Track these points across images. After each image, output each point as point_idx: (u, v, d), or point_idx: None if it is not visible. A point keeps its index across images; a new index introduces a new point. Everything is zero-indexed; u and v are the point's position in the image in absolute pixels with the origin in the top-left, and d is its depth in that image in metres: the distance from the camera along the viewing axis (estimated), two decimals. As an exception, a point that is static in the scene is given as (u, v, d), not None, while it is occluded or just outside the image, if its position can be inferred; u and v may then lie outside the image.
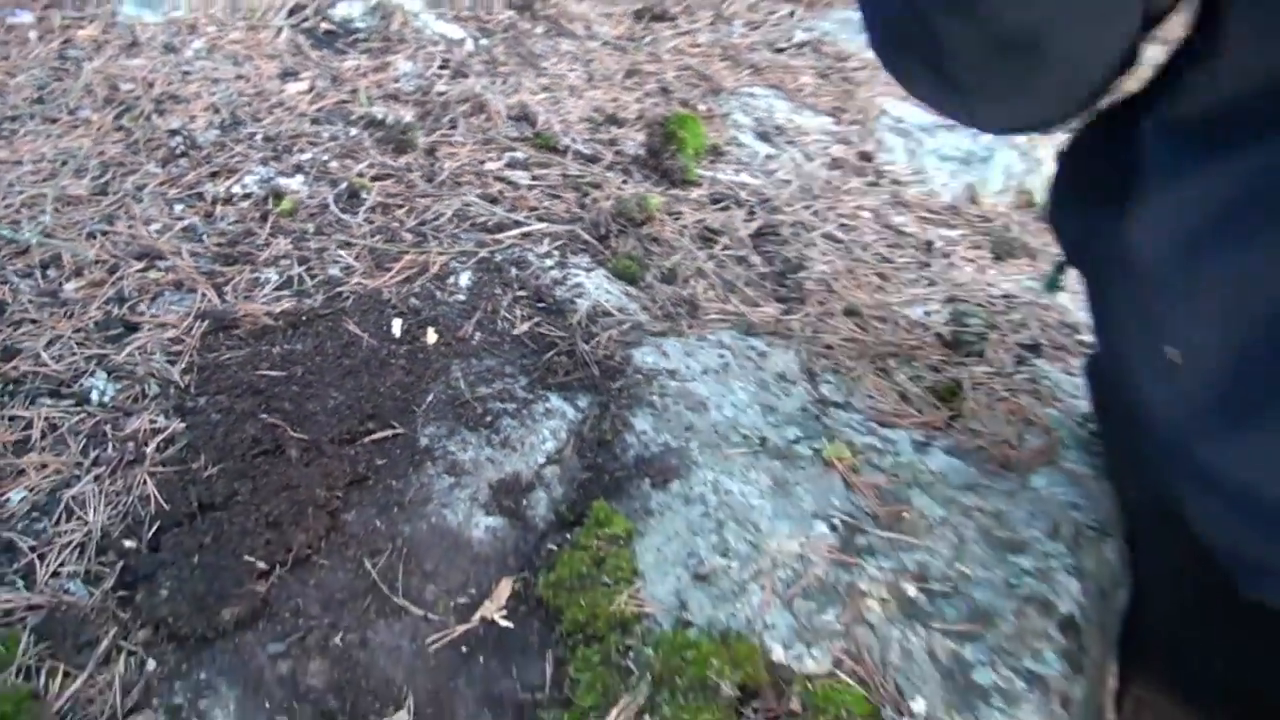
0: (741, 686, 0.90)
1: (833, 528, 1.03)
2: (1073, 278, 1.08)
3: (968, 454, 1.18)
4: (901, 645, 0.94)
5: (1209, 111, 0.75)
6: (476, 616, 0.97)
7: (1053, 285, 1.03)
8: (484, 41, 1.88)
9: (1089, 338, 1.29)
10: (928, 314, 1.38)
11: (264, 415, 1.08)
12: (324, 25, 1.84)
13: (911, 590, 0.99)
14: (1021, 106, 0.85)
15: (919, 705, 0.90)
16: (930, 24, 0.79)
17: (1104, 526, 1.12)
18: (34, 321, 1.18)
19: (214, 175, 1.44)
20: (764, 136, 1.72)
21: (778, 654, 0.92)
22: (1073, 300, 1.48)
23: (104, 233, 1.31)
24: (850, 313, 1.35)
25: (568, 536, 1.02)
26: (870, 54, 1.98)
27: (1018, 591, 1.01)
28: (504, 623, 0.97)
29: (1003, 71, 0.79)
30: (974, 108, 0.87)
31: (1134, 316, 0.83)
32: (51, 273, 1.25)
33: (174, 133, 1.52)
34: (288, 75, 1.70)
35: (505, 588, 0.99)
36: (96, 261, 1.26)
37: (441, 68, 1.77)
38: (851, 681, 0.91)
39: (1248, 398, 0.75)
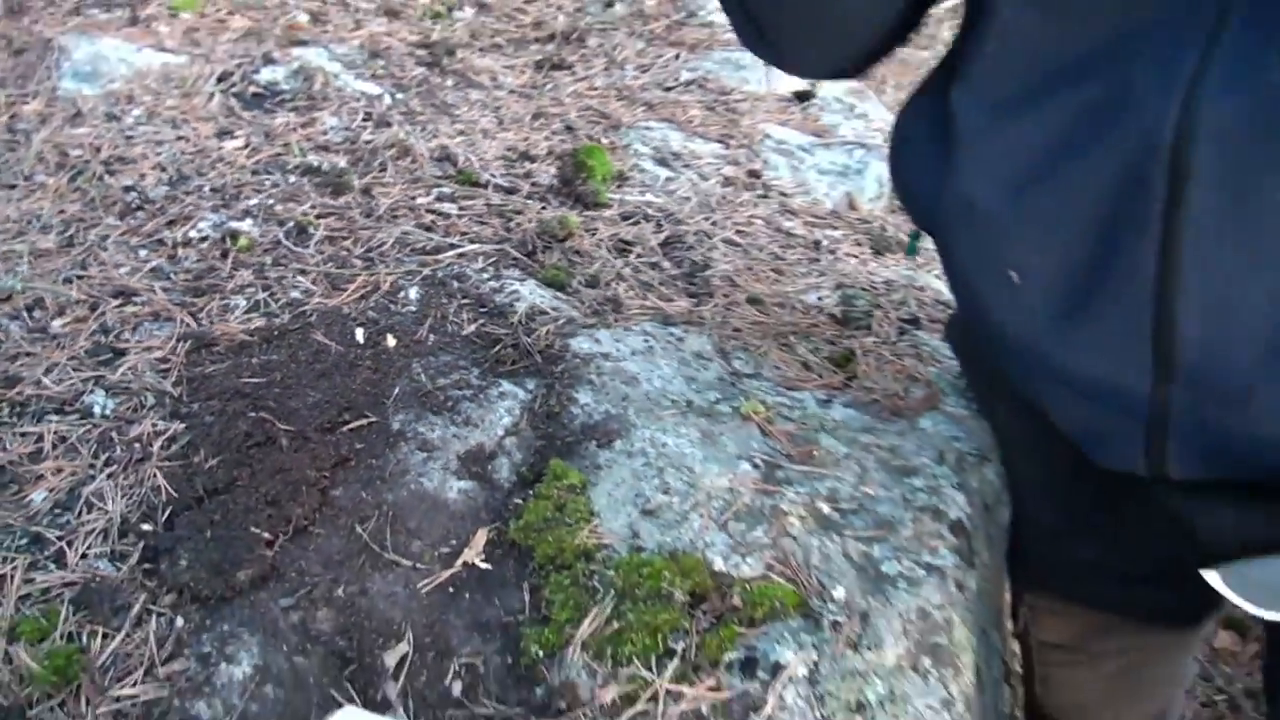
0: (691, 592, 1.07)
1: (755, 466, 1.21)
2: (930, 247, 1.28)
3: (864, 406, 1.38)
4: (821, 550, 1.12)
5: (999, 77, 0.96)
6: (459, 562, 1.13)
7: (912, 250, 1.22)
8: (400, 96, 2.05)
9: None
10: (820, 298, 1.58)
11: (253, 413, 1.22)
12: (251, 89, 1.99)
13: (825, 509, 1.17)
14: (813, 57, 1.10)
15: (839, 592, 1.08)
16: None
17: (983, 453, 1.32)
18: (29, 354, 1.31)
19: (170, 223, 1.59)
20: (663, 162, 1.92)
21: (719, 565, 1.09)
22: (942, 280, 1.70)
23: (79, 277, 1.45)
24: (753, 301, 1.54)
25: (530, 491, 1.18)
26: (750, 87, 2.20)
27: (914, 504, 1.20)
28: (483, 565, 1.13)
29: (793, 27, 1.04)
30: (779, 54, 1.11)
31: (978, 254, 1.03)
32: (37, 313, 1.38)
33: (127, 189, 1.66)
34: (224, 134, 1.85)
35: (481, 536, 1.15)
36: (77, 301, 1.40)
37: (365, 120, 1.93)
38: (781, 580, 1.08)
39: (1075, 299, 0.94)
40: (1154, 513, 1.10)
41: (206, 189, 1.68)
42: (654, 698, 1.00)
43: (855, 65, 1.10)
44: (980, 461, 1.31)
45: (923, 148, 1.09)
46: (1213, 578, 0.94)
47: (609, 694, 1.01)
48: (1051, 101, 0.90)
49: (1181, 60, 0.82)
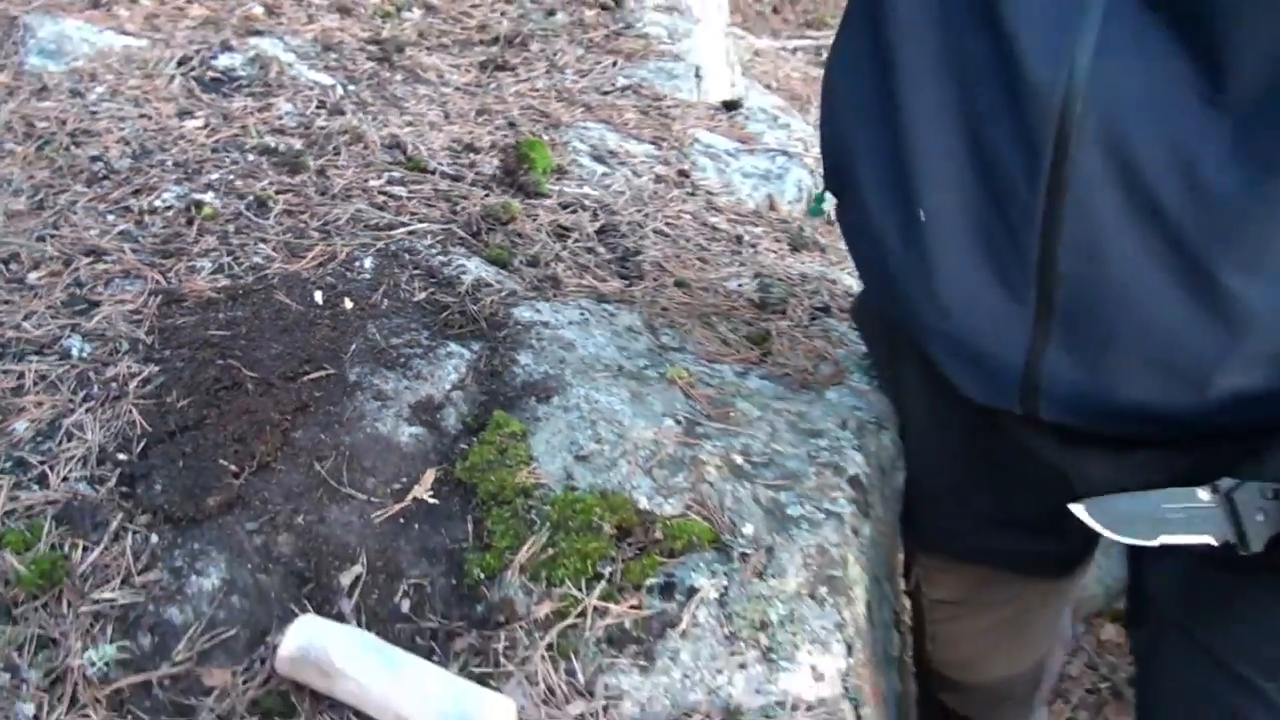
0: (618, 526, 1.20)
1: (678, 422, 1.35)
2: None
3: (777, 378, 1.52)
4: (734, 495, 1.26)
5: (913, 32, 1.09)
6: (409, 497, 1.25)
7: (816, 210, 1.35)
8: (352, 87, 2.17)
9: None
10: (740, 285, 1.73)
11: (220, 361, 1.34)
12: (210, 74, 2.09)
13: (739, 460, 1.32)
14: None
15: (748, 530, 1.22)
16: None
17: (880, 422, 1.47)
18: (8, 301, 1.41)
19: (136, 193, 1.69)
20: (599, 159, 2.06)
21: (643, 504, 1.23)
22: (851, 275, 1.86)
23: (52, 236, 1.54)
24: (679, 284, 1.69)
25: (475, 438, 1.31)
26: (681, 95, 2.35)
27: (817, 460, 1.35)
28: (431, 500, 1.25)
29: None
30: None
31: (891, 196, 1.15)
32: (14, 267, 1.48)
33: (93, 160, 1.76)
34: (184, 114, 1.95)
35: (430, 475, 1.27)
36: (51, 257, 1.50)
37: (319, 107, 2.05)
38: (698, 518, 1.22)
39: (975, 237, 1.08)
40: (1035, 465, 1.25)
41: (169, 163, 1.78)
42: (583, 613, 1.13)
43: None
44: (879, 429, 1.46)
45: (853, 95, 1.20)
46: (1078, 509, 1.08)
47: (543, 609, 1.14)
48: (949, 57, 1.04)
49: (1068, 29, 0.95)
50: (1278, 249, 0.95)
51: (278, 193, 1.73)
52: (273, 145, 1.88)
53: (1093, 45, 0.96)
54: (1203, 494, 1.04)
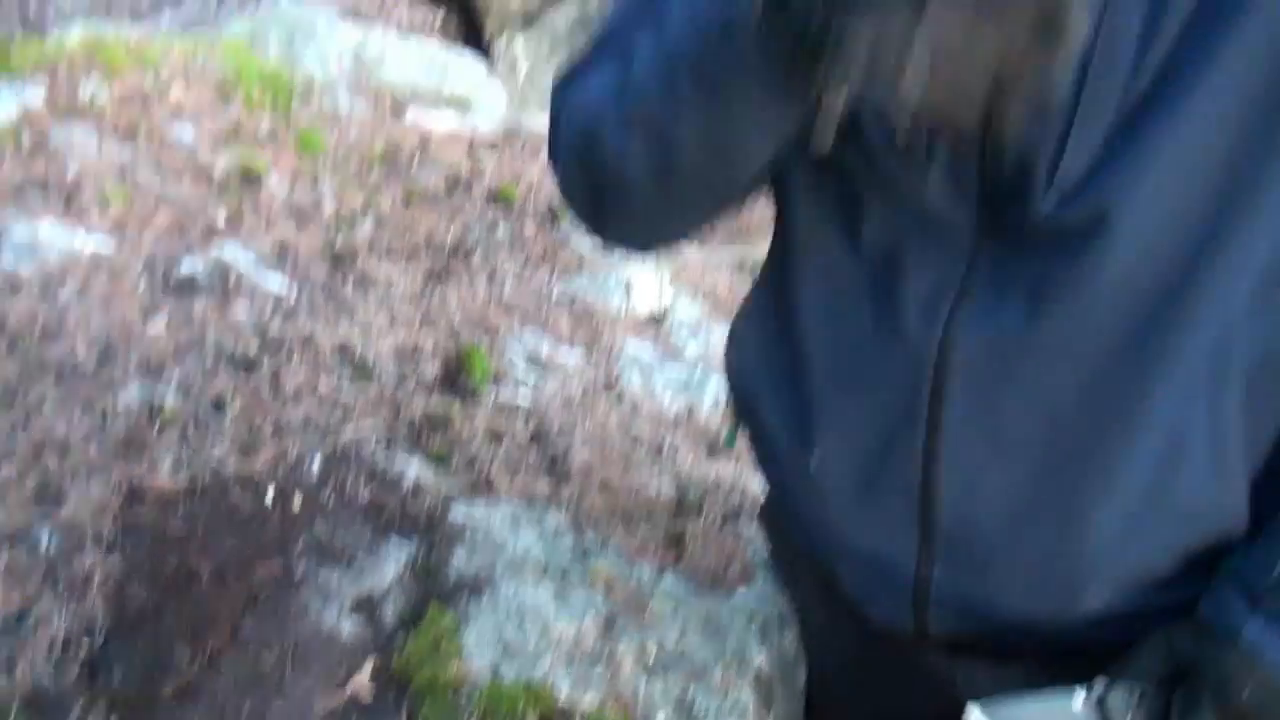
0: (541, 717, 1.32)
1: (597, 619, 1.48)
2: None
3: (691, 577, 1.66)
4: (646, 688, 1.39)
5: (808, 283, 1.22)
6: (349, 687, 1.36)
7: (730, 441, 1.50)
8: (305, 292, 2.34)
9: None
10: (660, 489, 1.89)
11: (178, 555, 1.45)
12: (173, 277, 2.25)
13: (652, 655, 1.45)
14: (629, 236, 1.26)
15: (659, 721, 1.34)
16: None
17: (784, 621, 1.61)
18: (-21, 494, 1.52)
19: (102, 390, 1.82)
20: (534, 365, 2.23)
21: (564, 695, 1.35)
22: (760, 481, 2.03)
23: (22, 430, 1.66)
24: (604, 487, 1.84)
25: (411, 630, 1.43)
26: (612, 306, 2.54)
27: (724, 657, 1.48)
28: (369, 690, 1.36)
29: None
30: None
31: (787, 434, 1.30)
32: (-15, 461, 1.60)
33: (61, 358, 1.90)
34: (149, 316, 2.10)
35: (369, 666, 1.38)
36: (22, 452, 1.61)
37: (274, 312, 2.21)
38: (614, 710, 1.34)
39: (862, 479, 1.22)
40: (924, 671, 1.37)
41: (133, 362, 1.92)
42: (506, 798, 1.24)
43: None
44: (782, 627, 1.60)
45: (757, 338, 1.32)
46: (972, 712, 1.19)
47: (469, 794, 1.25)
48: (843, 319, 1.18)
49: (939, 301, 1.10)
50: (1130, 483, 1.09)
51: (234, 393, 1.87)
52: (230, 348, 2.03)
53: (966, 317, 1.09)
54: (1079, 696, 1.15)
